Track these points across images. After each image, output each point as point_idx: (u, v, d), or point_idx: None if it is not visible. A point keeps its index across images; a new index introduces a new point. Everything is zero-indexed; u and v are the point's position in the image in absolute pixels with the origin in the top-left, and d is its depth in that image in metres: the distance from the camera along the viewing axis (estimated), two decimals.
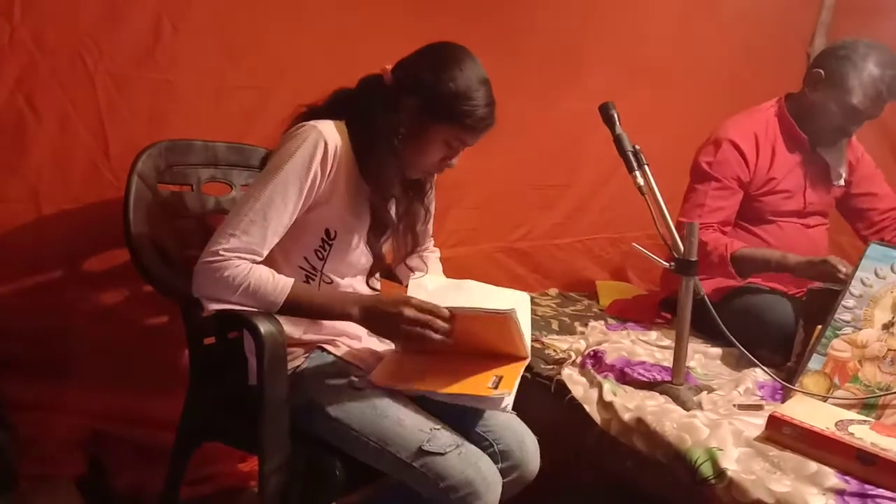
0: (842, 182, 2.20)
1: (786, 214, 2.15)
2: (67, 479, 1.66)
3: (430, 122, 1.41)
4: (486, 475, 1.30)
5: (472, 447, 1.33)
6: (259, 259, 1.34)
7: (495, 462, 1.37)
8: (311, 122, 1.38)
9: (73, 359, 1.72)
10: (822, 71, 2.03)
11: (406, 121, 1.41)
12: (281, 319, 1.36)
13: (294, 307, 1.35)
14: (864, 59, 1.97)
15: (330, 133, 1.37)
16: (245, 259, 1.32)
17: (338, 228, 1.44)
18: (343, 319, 1.39)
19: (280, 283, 1.34)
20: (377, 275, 1.61)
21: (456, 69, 1.39)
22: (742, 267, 1.97)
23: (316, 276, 1.47)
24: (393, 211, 1.52)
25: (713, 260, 1.98)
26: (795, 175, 2.14)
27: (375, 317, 1.36)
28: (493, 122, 1.44)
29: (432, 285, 1.56)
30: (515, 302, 1.49)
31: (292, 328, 1.42)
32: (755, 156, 2.09)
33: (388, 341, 1.51)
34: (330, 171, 1.38)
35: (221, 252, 1.31)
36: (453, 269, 1.76)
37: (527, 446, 1.46)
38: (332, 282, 1.48)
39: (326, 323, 1.48)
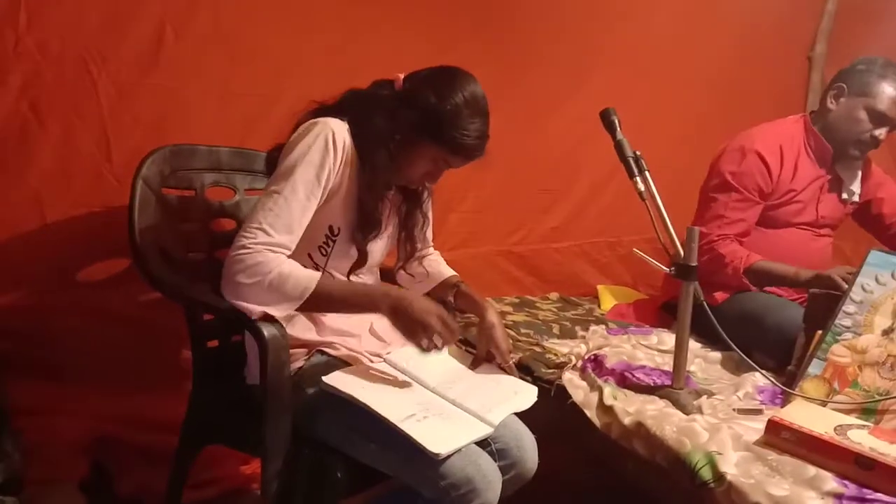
0: (856, 198, 2.24)
1: (798, 224, 2.18)
2: (71, 483, 1.67)
3: (422, 139, 1.44)
4: (485, 473, 1.30)
5: (472, 445, 1.33)
6: (287, 253, 1.36)
7: (493, 460, 1.38)
8: (322, 119, 1.41)
9: (77, 362, 1.73)
10: (844, 85, 2.11)
11: (401, 131, 1.44)
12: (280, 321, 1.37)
13: (321, 299, 1.36)
14: (884, 69, 2.06)
15: (339, 129, 1.41)
16: (275, 251, 1.33)
17: (341, 225, 1.47)
18: (370, 311, 1.42)
19: (307, 274, 1.35)
20: (378, 273, 1.65)
21: (458, 96, 1.42)
22: (756, 279, 2.01)
23: (319, 273, 1.47)
24: (387, 213, 1.54)
25: (728, 272, 2.03)
26: (812, 188, 2.17)
27: (403, 313, 1.36)
28: (481, 154, 1.47)
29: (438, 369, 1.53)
30: (516, 399, 1.49)
31: (292, 329, 1.43)
32: (779, 167, 2.12)
33: (388, 342, 1.55)
34: (339, 165, 1.41)
35: (249, 245, 1.32)
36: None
37: (525, 444, 1.47)
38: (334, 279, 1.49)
39: (327, 324, 1.50)
